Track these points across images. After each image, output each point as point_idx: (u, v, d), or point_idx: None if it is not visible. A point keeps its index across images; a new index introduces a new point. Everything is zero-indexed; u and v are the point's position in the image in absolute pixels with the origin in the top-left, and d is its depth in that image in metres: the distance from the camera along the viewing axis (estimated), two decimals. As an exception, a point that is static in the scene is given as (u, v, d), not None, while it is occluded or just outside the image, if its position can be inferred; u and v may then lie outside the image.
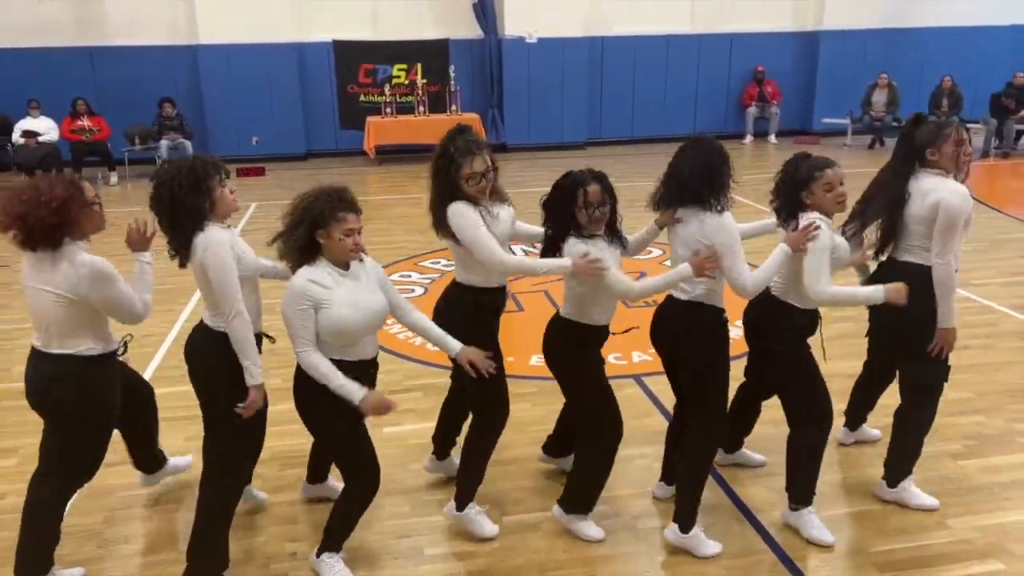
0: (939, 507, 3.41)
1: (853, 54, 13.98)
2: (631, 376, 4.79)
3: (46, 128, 11.14)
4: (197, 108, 12.39)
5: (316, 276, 2.83)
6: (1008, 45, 14.18)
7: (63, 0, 11.75)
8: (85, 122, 11.26)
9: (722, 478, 3.71)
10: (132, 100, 12.00)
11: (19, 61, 11.93)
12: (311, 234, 2.81)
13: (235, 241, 3.00)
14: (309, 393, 2.87)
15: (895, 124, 12.94)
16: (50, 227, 2.75)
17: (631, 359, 5.04)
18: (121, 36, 12.23)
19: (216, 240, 2.86)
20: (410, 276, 6.78)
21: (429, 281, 6.67)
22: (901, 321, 3.17)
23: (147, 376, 4.92)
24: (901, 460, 3.44)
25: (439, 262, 7.00)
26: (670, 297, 3.19)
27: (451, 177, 3.10)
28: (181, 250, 2.91)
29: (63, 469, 2.94)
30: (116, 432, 4.25)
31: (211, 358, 2.98)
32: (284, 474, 3.81)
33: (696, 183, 2.98)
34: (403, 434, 4.15)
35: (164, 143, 11.48)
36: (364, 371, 2.94)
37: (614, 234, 3.14)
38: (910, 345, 3.26)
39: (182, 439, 4.14)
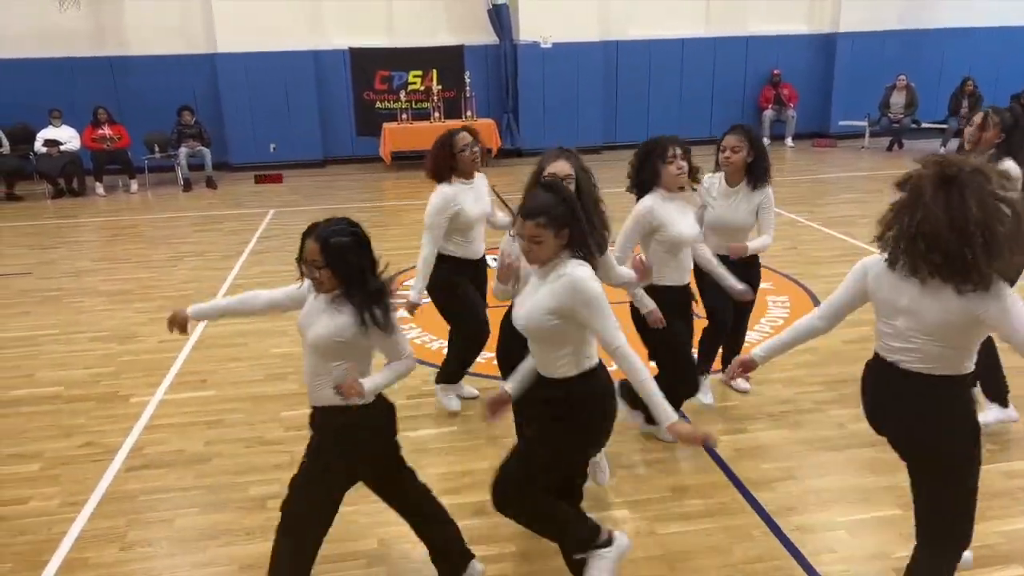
0: None
1: (870, 56, 13.88)
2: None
3: (68, 137, 11.29)
4: (216, 116, 12.51)
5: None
6: (1028, 45, 14.05)
7: (84, 11, 11.90)
8: (106, 131, 11.40)
9: (742, 484, 3.69)
10: (151, 108, 12.14)
11: (41, 71, 12.11)
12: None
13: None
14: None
15: (914, 126, 12.85)
16: None
17: (649, 364, 5.01)
18: (141, 46, 12.38)
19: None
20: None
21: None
22: None
23: (167, 380, 4.98)
24: None
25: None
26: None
27: None
28: None
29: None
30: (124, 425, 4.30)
31: None
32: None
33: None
34: (422, 439, 4.16)
35: (183, 151, 11.61)
36: None
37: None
38: None
39: (202, 444, 4.18)
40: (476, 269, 4.28)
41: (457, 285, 4.16)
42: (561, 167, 3.13)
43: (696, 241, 3.83)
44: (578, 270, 2.57)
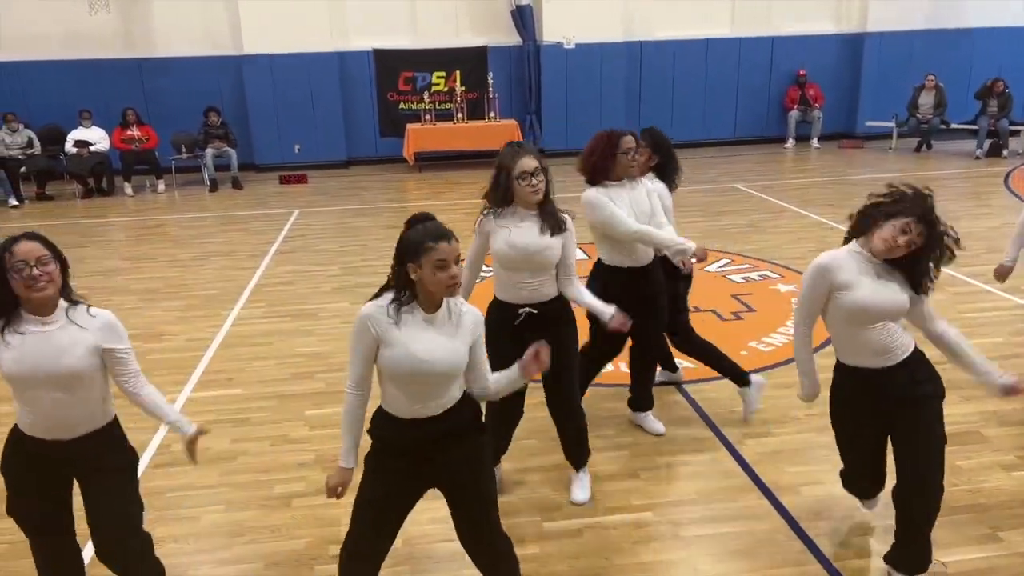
0: None
1: (898, 56, 13.70)
2: (672, 383, 4.75)
3: (97, 138, 11.45)
4: (241, 117, 12.63)
5: None
6: (1060, 45, 13.80)
7: (113, 14, 12.08)
8: (135, 132, 11.55)
9: (767, 487, 3.66)
10: (179, 110, 12.30)
11: (72, 73, 12.30)
12: None
13: None
14: None
15: (942, 127, 12.66)
16: None
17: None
18: (169, 48, 12.54)
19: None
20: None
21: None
22: None
23: (194, 378, 5.04)
24: None
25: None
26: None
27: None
28: None
29: None
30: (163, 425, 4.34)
31: None
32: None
33: None
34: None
35: (209, 151, 11.73)
36: None
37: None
38: None
39: (228, 441, 4.22)
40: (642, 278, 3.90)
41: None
42: (528, 163, 3.15)
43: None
44: (465, 306, 2.52)
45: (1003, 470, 3.75)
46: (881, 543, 3.22)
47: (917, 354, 2.88)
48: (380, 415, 2.52)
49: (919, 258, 2.71)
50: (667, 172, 4.12)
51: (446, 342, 2.42)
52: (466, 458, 2.55)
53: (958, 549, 3.19)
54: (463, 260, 2.54)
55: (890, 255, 2.72)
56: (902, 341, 2.84)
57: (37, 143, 11.40)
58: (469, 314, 2.50)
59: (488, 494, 2.61)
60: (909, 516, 2.89)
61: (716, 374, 4.40)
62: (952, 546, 3.21)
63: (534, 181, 3.15)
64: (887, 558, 3.00)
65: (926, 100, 12.65)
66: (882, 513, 3.43)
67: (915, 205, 2.68)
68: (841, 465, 3.22)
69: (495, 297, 3.43)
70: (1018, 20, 13.72)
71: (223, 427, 4.37)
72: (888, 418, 2.88)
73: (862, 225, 2.79)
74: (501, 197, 3.24)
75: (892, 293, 2.77)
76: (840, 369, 2.96)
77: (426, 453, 2.49)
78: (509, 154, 3.20)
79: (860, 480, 3.19)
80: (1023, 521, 3.35)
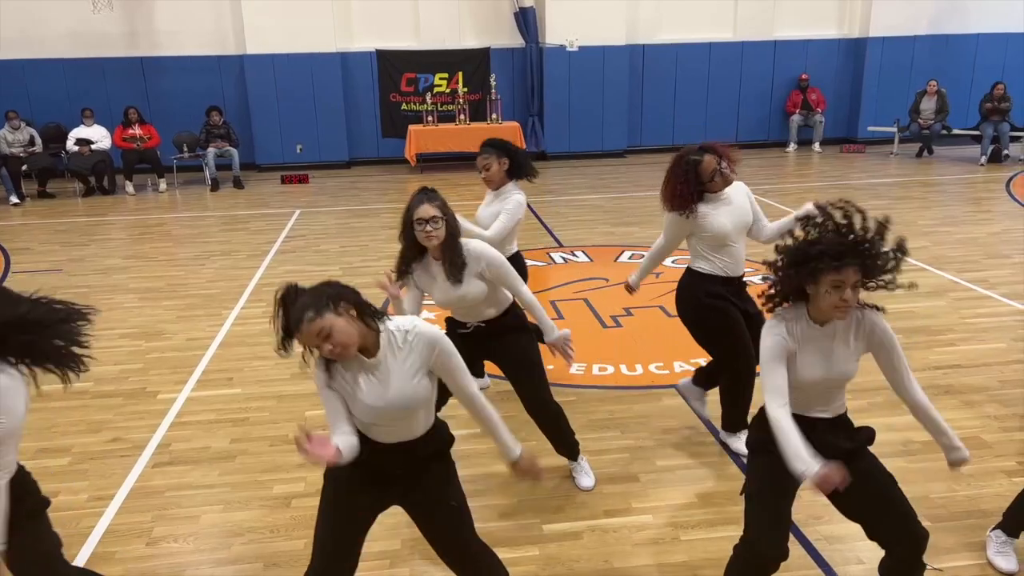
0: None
1: (900, 61, 13.71)
2: (673, 386, 4.74)
3: (99, 136, 11.46)
4: (243, 116, 12.65)
5: None
6: (1063, 51, 13.80)
7: (117, 12, 12.08)
8: (136, 130, 11.55)
9: (766, 491, 3.65)
10: (181, 109, 12.32)
11: (74, 71, 12.32)
12: None
13: None
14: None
15: (944, 132, 12.66)
16: None
17: (673, 369, 4.99)
18: (171, 47, 12.56)
19: None
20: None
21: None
22: None
23: (193, 378, 5.03)
24: None
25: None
26: None
27: None
28: None
29: None
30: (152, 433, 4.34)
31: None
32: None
33: None
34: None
35: (211, 151, 11.74)
36: None
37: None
38: None
39: (228, 441, 4.21)
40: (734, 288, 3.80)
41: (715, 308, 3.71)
42: (426, 211, 3.16)
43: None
44: (418, 323, 2.39)
45: (1005, 476, 3.74)
46: (881, 548, 3.20)
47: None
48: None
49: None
50: (522, 170, 4.17)
51: (396, 380, 2.32)
52: (432, 481, 2.48)
53: (959, 555, 3.18)
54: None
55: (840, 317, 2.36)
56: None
57: (39, 141, 11.40)
58: (418, 339, 2.34)
59: (456, 512, 2.50)
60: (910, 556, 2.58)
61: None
62: (953, 551, 3.20)
63: (428, 228, 3.13)
64: (882, 568, 2.88)
65: (928, 105, 12.65)
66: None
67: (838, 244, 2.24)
68: None
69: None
70: (1020, 26, 13.72)
71: (223, 427, 4.37)
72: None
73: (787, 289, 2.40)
74: (409, 243, 3.24)
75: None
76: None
77: (389, 478, 2.45)
78: (412, 201, 3.21)
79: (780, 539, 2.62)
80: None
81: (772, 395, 2.39)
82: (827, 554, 3.21)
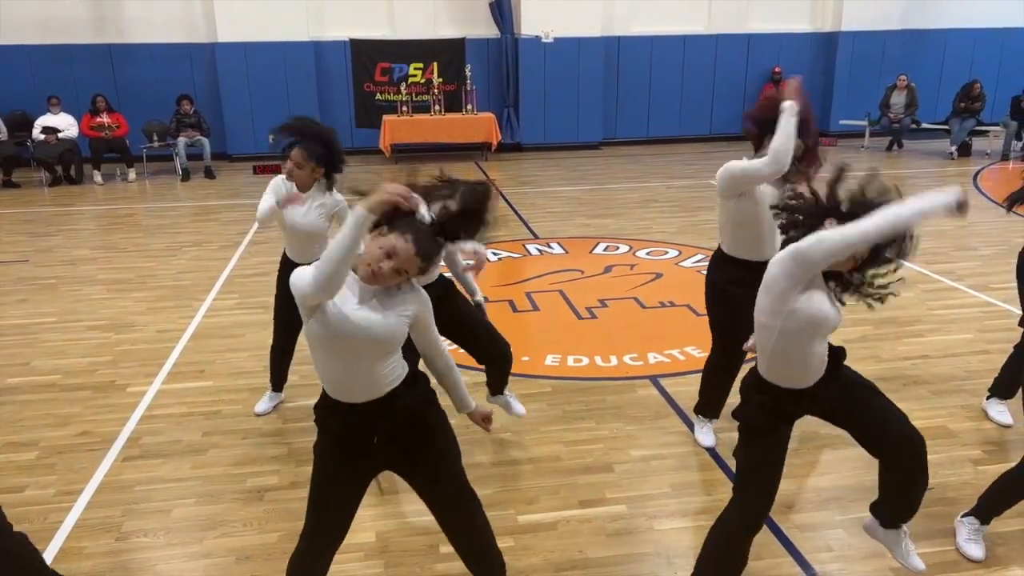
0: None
1: (871, 55, 13.87)
2: (647, 377, 4.78)
3: (66, 125, 11.24)
4: (215, 106, 12.47)
5: None
6: (1029, 47, 14.05)
7: (84, -2, 11.85)
8: (104, 119, 11.35)
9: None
10: (150, 97, 12.12)
11: (40, 58, 12.06)
12: None
13: None
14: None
15: (913, 126, 12.84)
16: None
17: (647, 360, 5.02)
18: (140, 34, 12.33)
19: None
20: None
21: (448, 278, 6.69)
22: None
23: (164, 370, 4.97)
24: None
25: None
26: None
27: None
28: None
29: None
30: (141, 427, 4.28)
31: None
32: (300, 470, 3.82)
33: None
34: (419, 432, 4.16)
35: (182, 140, 11.57)
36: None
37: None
38: None
39: (200, 434, 4.17)
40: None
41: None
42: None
43: None
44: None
45: (971, 464, 3.81)
46: (851, 535, 3.26)
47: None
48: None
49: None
50: (333, 165, 3.89)
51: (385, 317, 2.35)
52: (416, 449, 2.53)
53: (926, 542, 3.24)
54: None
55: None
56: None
57: (4, 129, 11.18)
58: (418, 293, 2.44)
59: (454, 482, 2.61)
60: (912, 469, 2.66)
61: (688, 368, 4.41)
62: (920, 539, 3.25)
63: None
64: (887, 487, 2.78)
65: (898, 100, 12.82)
66: (850, 508, 3.48)
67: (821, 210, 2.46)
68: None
69: None
70: (990, 22, 13.95)
71: (194, 419, 4.32)
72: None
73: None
74: None
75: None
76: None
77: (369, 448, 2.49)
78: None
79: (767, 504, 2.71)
80: (989, 514, 3.41)
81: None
82: (798, 542, 3.26)
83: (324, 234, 3.96)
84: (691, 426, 4.16)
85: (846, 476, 3.71)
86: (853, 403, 2.64)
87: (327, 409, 2.46)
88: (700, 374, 4.16)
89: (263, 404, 4.40)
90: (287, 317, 4.00)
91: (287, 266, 4.02)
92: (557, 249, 7.64)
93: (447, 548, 3.24)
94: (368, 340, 2.32)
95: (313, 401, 2.53)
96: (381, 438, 2.45)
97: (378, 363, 2.37)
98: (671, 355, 5.05)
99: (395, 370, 2.43)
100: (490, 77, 13.25)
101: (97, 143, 11.29)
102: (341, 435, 2.46)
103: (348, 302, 2.30)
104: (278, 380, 4.42)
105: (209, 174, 11.63)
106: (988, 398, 4.27)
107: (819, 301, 2.45)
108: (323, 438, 2.50)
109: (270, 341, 4.38)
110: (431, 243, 2.29)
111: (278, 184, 3.92)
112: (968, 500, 3.50)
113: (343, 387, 2.40)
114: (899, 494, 2.75)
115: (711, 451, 3.94)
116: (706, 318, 3.90)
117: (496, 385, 3.99)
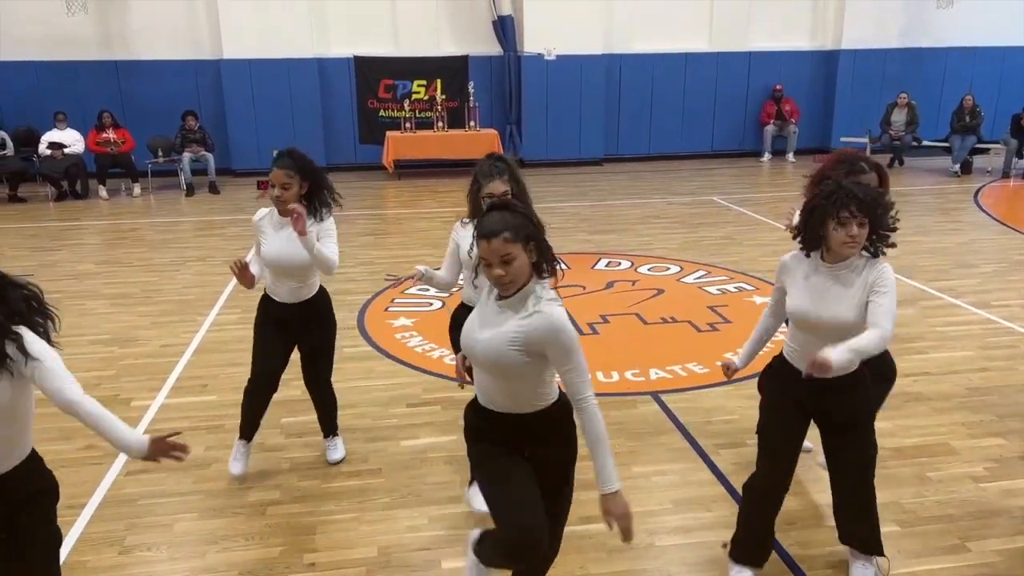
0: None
1: (872, 73, 13.96)
2: (649, 393, 4.79)
3: (72, 140, 11.32)
4: (219, 121, 12.56)
5: None
6: (1029, 65, 14.13)
7: (91, 15, 11.97)
8: (110, 134, 11.43)
9: (739, 494, 3.69)
10: (156, 113, 12.21)
11: (46, 74, 12.16)
12: None
13: None
14: None
15: (914, 144, 12.90)
16: None
17: (649, 376, 5.03)
18: (147, 50, 12.45)
19: None
20: (427, 290, 6.82)
21: (447, 295, 6.70)
22: None
23: (168, 385, 4.99)
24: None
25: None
26: None
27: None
28: None
29: None
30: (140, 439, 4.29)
31: None
32: (302, 484, 3.83)
33: None
34: (420, 447, 4.17)
35: (186, 156, 11.64)
36: None
37: None
38: None
39: (203, 449, 4.18)
40: None
41: None
42: (496, 187, 3.21)
43: None
44: (555, 309, 2.36)
45: (972, 481, 3.81)
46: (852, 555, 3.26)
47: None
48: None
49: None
50: (319, 199, 3.68)
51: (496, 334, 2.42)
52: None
53: (927, 559, 3.24)
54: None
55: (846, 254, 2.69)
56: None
57: (10, 144, 11.25)
58: (539, 317, 2.38)
59: None
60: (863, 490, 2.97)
61: (690, 384, 4.43)
62: (921, 556, 3.26)
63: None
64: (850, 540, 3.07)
65: (899, 117, 12.89)
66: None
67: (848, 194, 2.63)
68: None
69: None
70: (990, 40, 14.04)
71: (197, 434, 4.33)
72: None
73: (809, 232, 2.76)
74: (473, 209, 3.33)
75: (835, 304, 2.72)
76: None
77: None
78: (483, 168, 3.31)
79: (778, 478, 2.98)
80: (991, 531, 3.41)
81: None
82: (799, 560, 3.26)
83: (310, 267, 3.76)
84: (692, 441, 4.17)
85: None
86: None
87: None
88: (701, 390, 4.17)
89: (238, 463, 3.88)
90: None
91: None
92: (559, 264, 7.65)
93: (449, 563, 3.26)
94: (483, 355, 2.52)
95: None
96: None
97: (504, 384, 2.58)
98: (673, 371, 5.07)
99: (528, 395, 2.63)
100: (493, 94, 13.34)
101: (103, 158, 11.37)
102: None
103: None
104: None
105: (213, 189, 11.70)
106: None
107: (798, 296, 2.87)
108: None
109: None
110: None
111: (261, 226, 3.70)
112: (969, 517, 3.51)
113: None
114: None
115: (712, 467, 3.94)
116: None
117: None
